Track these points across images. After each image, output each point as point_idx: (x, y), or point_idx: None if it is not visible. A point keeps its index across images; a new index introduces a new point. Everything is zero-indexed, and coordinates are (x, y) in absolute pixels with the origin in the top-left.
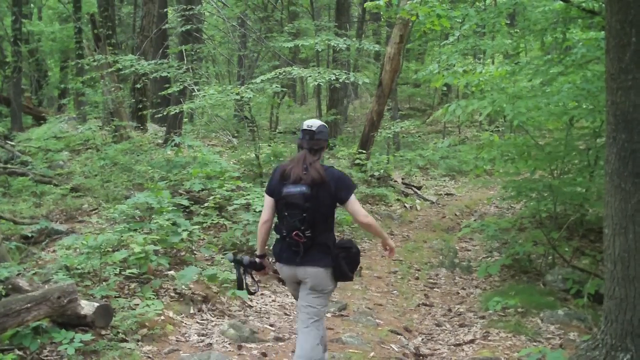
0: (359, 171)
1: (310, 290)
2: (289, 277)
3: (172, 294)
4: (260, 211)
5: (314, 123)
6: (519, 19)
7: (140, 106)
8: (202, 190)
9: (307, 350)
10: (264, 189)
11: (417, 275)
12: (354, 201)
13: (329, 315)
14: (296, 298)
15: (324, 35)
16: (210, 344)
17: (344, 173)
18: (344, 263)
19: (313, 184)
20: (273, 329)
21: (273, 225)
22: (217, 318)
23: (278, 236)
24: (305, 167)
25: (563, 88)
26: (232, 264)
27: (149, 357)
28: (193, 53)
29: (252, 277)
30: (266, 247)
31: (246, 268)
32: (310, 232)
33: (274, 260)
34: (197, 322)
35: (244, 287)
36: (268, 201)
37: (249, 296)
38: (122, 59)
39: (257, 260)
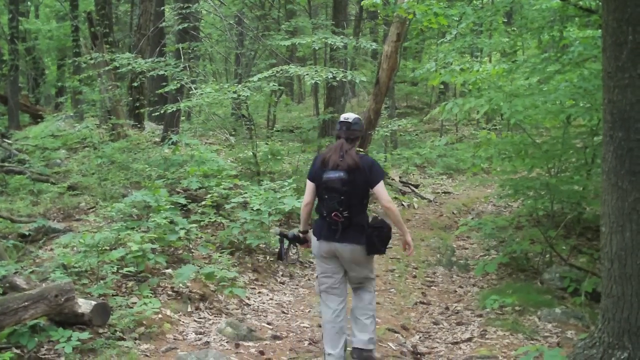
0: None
1: (350, 264)
2: (326, 252)
3: (170, 293)
4: (258, 209)
5: (349, 116)
6: (516, 17)
7: (138, 104)
8: (200, 188)
9: (365, 302)
10: (261, 186)
11: (414, 273)
12: (381, 186)
13: None
14: (325, 274)
15: (321, 34)
16: (208, 342)
17: (376, 161)
18: (377, 240)
19: (349, 169)
20: (271, 327)
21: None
22: (215, 316)
23: (318, 216)
24: (342, 154)
25: (560, 86)
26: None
27: (147, 356)
28: (190, 51)
29: (296, 249)
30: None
31: (291, 241)
32: (348, 213)
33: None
34: (195, 321)
35: (284, 257)
36: (310, 186)
37: (290, 262)
38: (119, 57)
39: (301, 235)
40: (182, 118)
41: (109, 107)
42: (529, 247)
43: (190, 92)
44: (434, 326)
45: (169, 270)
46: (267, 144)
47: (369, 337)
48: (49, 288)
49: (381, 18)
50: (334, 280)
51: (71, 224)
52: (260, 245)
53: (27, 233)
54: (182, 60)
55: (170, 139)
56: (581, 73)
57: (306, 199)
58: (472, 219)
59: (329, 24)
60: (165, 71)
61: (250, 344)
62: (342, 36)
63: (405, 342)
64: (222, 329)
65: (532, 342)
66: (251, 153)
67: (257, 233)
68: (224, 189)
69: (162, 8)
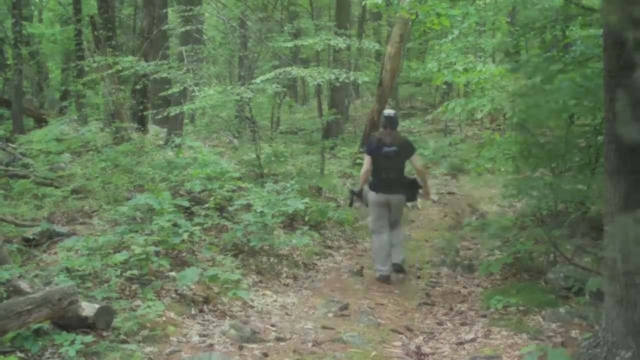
0: (360, 170)
1: (395, 208)
2: (381, 201)
3: (173, 295)
4: (262, 211)
5: (390, 112)
6: (519, 17)
7: (141, 107)
8: (203, 191)
9: (400, 237)
10: (265, 188)
11: (418, 274)
12: (416, 156)
13: (330, 315)
14: (379, 217)
15: (324, 35)
16: (212, 344)
17: (411, 139)
18: (412, 190)
19: (400, 145)
20: (274, 329)
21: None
22: (218, 319)
23: (373, 178)
24: (394, 136)
25: (562, 85)
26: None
27: (150, 358)
28: (193, 54)
29: (360, 200)
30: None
31: (355, 195)
32: (397, 174)
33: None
34: (198, 323)
35: (352, 205)
36: (368, 158)
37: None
38: (123, 60)
39: (359, 191)
40: (186, 121)
41: (112, 110)
42: (533, 247)
43: (193, 95)
44: (438, 327)
45: (173, 273)
46: (270, 145)
47: (401, 257)
48: (53, 292)
49: (384, 19)
50: (384, 221)
51: (75, 227)
52: (264, 247)
53: (31, 237)
54: (185, 63)
55: (174, 141)
56: (584, 72)
57: (365, 167)
58: (477, 219)
59: (332, 25)
60: (169, 74)
61: (254, 345)
62: (345, 37)
63: (409, 343)
64: (225, 331)
65: (536, 341)
66: (255, 155)
67: (261, 235)
68: (228, 191)
69: (165, 11)
